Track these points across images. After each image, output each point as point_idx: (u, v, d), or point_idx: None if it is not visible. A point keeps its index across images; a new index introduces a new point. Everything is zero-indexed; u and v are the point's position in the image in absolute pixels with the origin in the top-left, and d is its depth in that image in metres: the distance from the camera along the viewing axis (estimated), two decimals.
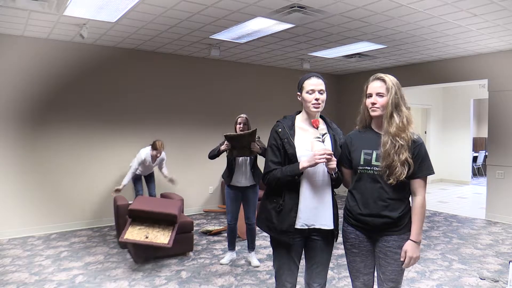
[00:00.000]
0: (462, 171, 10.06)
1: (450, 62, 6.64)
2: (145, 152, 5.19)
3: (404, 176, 1.89)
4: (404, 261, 1.95)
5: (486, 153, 9.18)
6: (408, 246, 1.93)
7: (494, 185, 6.13)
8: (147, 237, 3.83)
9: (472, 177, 10.26)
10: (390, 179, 1.91)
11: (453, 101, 10.13)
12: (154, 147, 5.15)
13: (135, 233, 3.87)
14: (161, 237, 3.90)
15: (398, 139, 1.91)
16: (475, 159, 11.00)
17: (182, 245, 4.25)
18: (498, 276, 3.73)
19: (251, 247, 4.14)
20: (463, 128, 9.94)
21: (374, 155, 1.98)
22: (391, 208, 1.95)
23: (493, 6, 3.90)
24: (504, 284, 3.53)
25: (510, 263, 3.17)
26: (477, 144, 11.75)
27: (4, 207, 5.08)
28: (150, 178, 5.61)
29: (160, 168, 5.45)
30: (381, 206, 1.95)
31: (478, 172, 11.43)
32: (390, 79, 1.99)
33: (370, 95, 2.00)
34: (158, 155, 5.19)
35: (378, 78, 2.00)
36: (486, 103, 6.55)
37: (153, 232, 3.95)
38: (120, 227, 4.66)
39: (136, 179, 5.42)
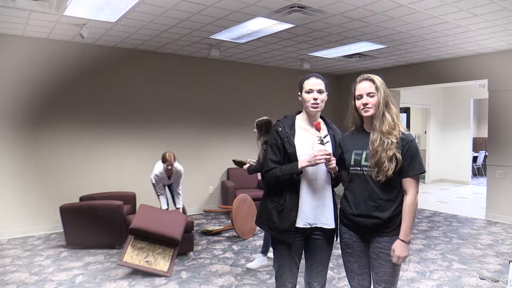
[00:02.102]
0: (462, 171, 10.06)
1: (450, 62, 6.64)
2: (158, 168, 4.79)
3: (391, 172, 1.88)
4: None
5: (486, 153, 9.18)
6: (396, 245, 1.92)
7: (494, 185, 6.13)
8: (147, 261, 3.80)
9: (472, 177, 10.26)
10: (379, 176, 1.90)
11: (453, 101, 10.12)
12: (163, 159, 4.70)
13: (135, 254, 3.82)
14: (161, 261, 3.86)
15: (389, 136, 1.90)
16: (475, 159, 11.00)
17: (182, 245, 4.24)
18: (498, 276, 3.73)
19: (262, 249, 4.12)
20: (463, 128, 9.94)
21: (364, 155, 1.98)
22: (382, 208, 1.94)
23: (493, 6, 3.90)
24: (504, 284, 3.53)
25: (510, 263, 3.16)
26: (477, 144, 11.74)
27: (4, 207, 5.08)
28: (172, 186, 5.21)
29: (177, 185, 5.02)
30: (371, 207, 1.95)
31: (478, 172, 11.42)
32: (378, 78, 1.99)
33: (360, 96, 1.99)
34: (169, 167, 4.70)
35: (366, 79, 2.00)
36: (486, 103, 6.55)
37: (154, 253, 3.89)
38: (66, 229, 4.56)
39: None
